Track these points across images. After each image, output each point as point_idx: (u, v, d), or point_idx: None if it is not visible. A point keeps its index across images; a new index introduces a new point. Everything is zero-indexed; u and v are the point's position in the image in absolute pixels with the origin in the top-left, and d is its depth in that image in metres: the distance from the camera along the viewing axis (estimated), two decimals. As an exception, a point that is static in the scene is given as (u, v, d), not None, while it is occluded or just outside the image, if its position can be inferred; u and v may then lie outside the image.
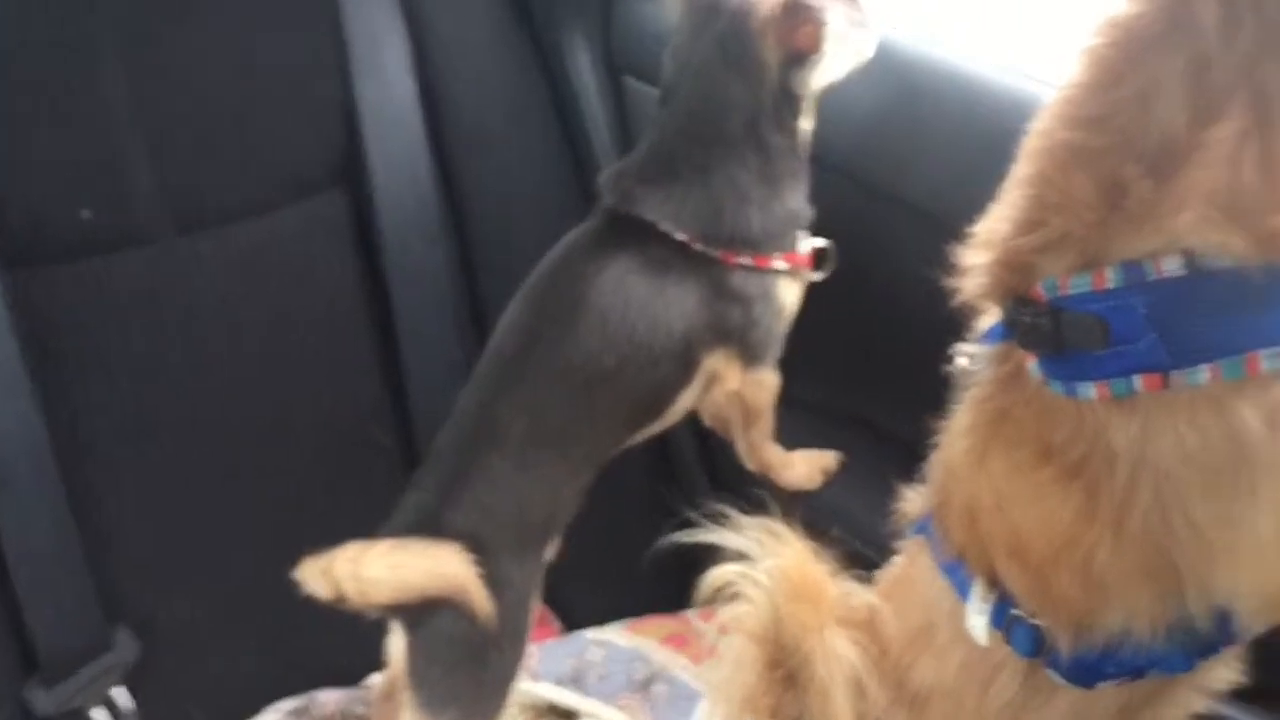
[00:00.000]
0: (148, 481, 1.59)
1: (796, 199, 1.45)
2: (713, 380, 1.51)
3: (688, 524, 1.24)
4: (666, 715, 1.60)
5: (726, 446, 1.61)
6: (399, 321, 1.68)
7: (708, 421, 1.67)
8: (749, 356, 1.48)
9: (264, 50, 1.56)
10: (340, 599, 1.27)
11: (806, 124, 1.45)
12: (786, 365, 1.52)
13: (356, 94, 1.60)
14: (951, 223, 1.43)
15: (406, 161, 1.65)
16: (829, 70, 1.43)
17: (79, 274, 1.51)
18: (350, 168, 1.64)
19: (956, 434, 1.02)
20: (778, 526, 1.16)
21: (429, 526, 1.36)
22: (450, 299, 1.71)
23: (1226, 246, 0.82)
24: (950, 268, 1.44)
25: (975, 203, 1.42)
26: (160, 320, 1.56)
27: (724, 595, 1.14)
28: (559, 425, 1.40)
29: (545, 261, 1.48)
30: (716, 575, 1.13)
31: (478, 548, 1.34)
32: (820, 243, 1.48)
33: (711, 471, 1.86)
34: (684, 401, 1.50)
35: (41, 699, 1.51)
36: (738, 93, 1.40)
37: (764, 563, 1.11)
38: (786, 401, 1.54)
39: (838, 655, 1.05)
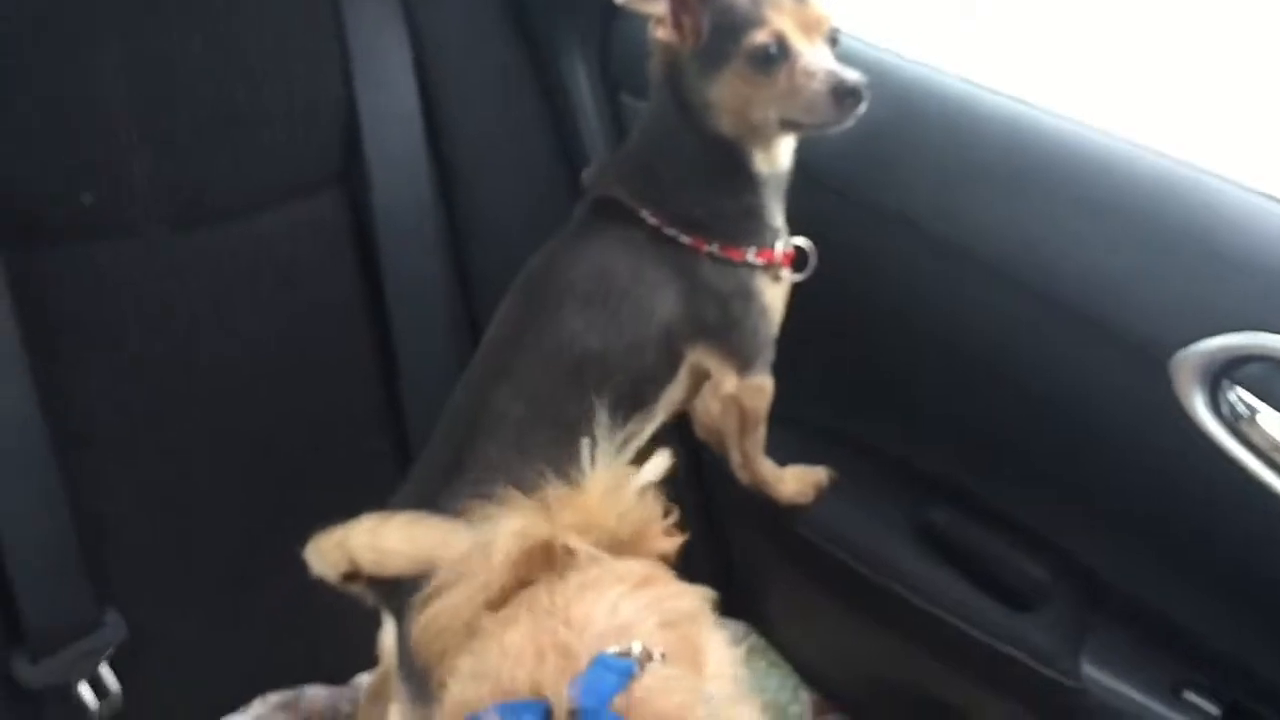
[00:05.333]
0: (143, 468, 1.61)
1: (751, 199, 1.48)
2: (700, 379, 1.54)
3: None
4: None
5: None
6: (394, 326, 1.71)
7: (700, 434, 1.69)
8: (740, 360, 1.50)
9: (265, 49, 1.58)
10: (351, 575, 1.29)
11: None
12: (781, 389, 1.54)
13: (357, 96, 1.63)
14: (935, 232, 1.47)
15: (405, 166, 1.68)
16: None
17: (78, 259, 1.53)
18: (348, 170, 1.67)
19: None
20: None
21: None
22: (445, 305, 1.74)
23: None
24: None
25: (956, 213, 1.47)
26: (155, 312, 1.58)
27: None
28: (554, 409, 1.42)
29: (535, 256, 1.53)
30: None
31: None
32: (800, 242, 1.51)
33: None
34: (671, 397, 1.53)
35: (27, 672, 1.54)
36: (670, 98, 1.46)
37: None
38: (774, 418, 1.56)
39: None
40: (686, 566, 1.79)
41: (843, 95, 1.36)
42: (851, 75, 1.36)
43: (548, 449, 1.40)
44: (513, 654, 1.05)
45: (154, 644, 1.62)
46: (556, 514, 1.17)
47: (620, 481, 1.21)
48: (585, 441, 1.22)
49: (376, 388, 1.74)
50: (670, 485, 1.80)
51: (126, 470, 1.60)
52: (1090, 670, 1.42)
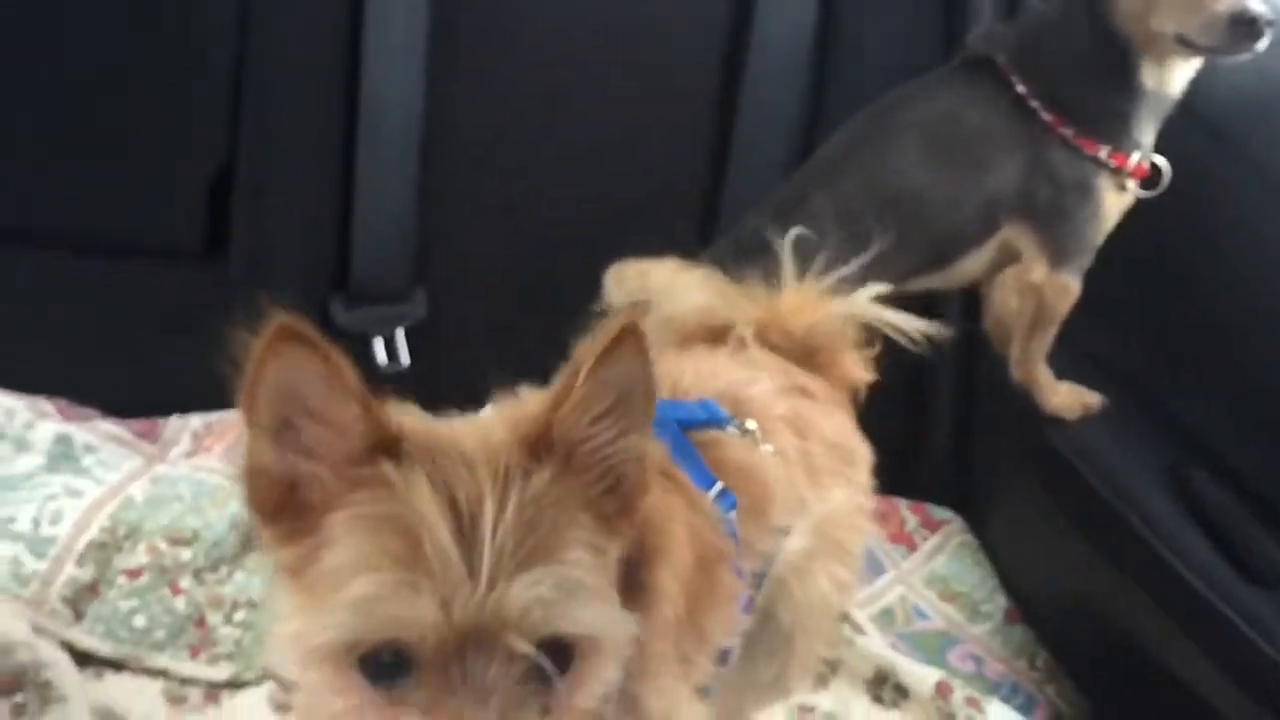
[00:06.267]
0: (484, 173, 1.79)
1: (1125, 105, 1.47)
2: (1005, 261, 1.55)
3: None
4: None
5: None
6: (738, 131, 1.80)
7: (987, 323, 1.70)
8: (1056, 253, 1.50)
9: None
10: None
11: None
12: (1078, 308, 1.54)
13: None
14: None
15: None
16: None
17: None
18: None
19: None
20: None
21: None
22: (790, 118, 1.81)
23: None
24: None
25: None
26: (543, 42, 1.75)
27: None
28: (860, 230, 1.44)
29: (893, 90, 1.57)
30: None
31: None
32: (1157, 159, 1.49)
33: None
34: (969, 265, 1.55)
35: (341, 314, 1.76)
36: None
37: None
38: (1063, 340, 1.57)
39: None
40: (926, 451, 1.82)
41: (1241, 24, 1.34)
42: (1257, 6, 1.33)
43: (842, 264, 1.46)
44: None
45: (444, 330, 1.81)
46: (745, 305, 1.22)
47: (818, 299, 1.23)
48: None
49: (705, 171, 1.85)
50: (935, 370, 1.84)
51: (471, 171, 1.78)
52: (1309, 664, 1.38)
